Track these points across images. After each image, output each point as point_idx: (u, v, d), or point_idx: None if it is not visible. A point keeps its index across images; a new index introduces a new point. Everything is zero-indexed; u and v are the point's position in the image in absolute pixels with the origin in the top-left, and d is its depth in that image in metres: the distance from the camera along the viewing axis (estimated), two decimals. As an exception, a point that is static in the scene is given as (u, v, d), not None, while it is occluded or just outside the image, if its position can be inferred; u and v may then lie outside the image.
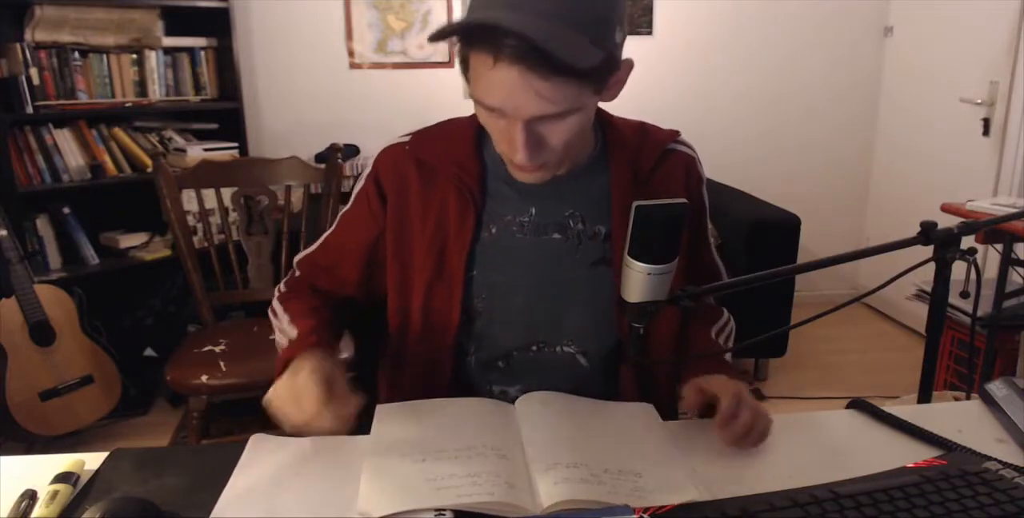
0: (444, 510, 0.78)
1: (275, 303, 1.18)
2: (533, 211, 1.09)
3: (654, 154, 1.11)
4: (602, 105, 1.03)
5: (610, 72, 0.93)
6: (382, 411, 1.01)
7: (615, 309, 1.09)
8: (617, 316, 1.09)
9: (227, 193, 2.29)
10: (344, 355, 2.03)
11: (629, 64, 0.97)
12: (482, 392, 1.13)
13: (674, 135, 1.15)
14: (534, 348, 1.11)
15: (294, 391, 0.93)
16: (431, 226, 1.09)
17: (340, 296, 1.19)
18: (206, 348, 2.14)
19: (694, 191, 1.14)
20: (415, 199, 1.10)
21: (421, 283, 1.09)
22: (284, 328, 1.12)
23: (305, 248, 1.23)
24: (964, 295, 1.18)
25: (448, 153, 1.09)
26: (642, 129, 1.14)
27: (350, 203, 1.17)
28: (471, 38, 0.89)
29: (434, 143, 1.11)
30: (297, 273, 1.22)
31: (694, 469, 0.88)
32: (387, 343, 1.19)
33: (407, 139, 1.13)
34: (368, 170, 1.14)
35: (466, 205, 1.07)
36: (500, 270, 1.09)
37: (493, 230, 1.09)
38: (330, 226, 1.20)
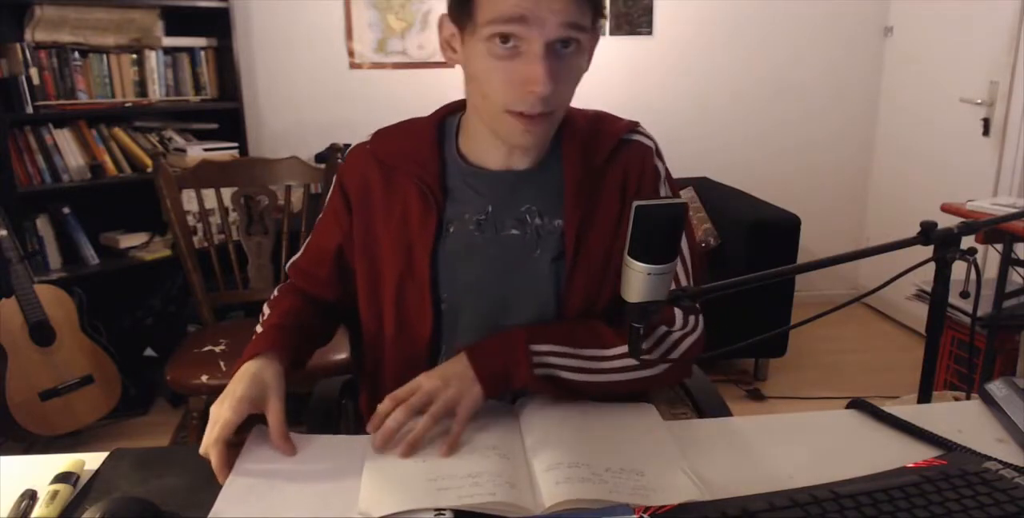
0: (444, 510, 0.78)
1: (264, 307, 1.19)
2: (490, 208, 1.08)
3: (607, 145, 1.09)
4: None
5: (599, 18, 0.97)
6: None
7: (567, 300, 1.08)
8: (568, 307, 1.08)
9: (227, 193, 2.29)
10: (342, 355, 2.04)
11: (599, 31, 1.01)
12: None
13: (631, 125, 1.12)
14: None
15: (226, 395, 0.95)
16: (395, 225, 1.09)
17: (325, 299, 1.19)
18: (206, 348, 2.14)
19: (647, 185, 1.09)
20: (378, 199, 1.10)
21: (392, 283, 1.09)
22: (257, 327, 1.13)
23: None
24: (964, 295, 1.17)
25: (408, 152, 1.09)
26: (597, 119, 1.12)
27: (323, 209, 1.18)
28: None
29: (393, 142, 1.12)
30: (288, 279, 1.23)
31: (695, 468, 0.88)
32: (364, 349, 1.19)
33: (368, 139, 1.14)
34: (336, 174, 1.16)
35: (428, 204, 1.07)
36: (461, 269, 1.09)
37: (451, 229, 1.08)
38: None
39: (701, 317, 1.12)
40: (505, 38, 0.92)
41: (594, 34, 0.98)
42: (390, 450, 0.90)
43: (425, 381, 0.96)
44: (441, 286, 1.09)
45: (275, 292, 1.22)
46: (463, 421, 0.93)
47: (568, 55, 0.94)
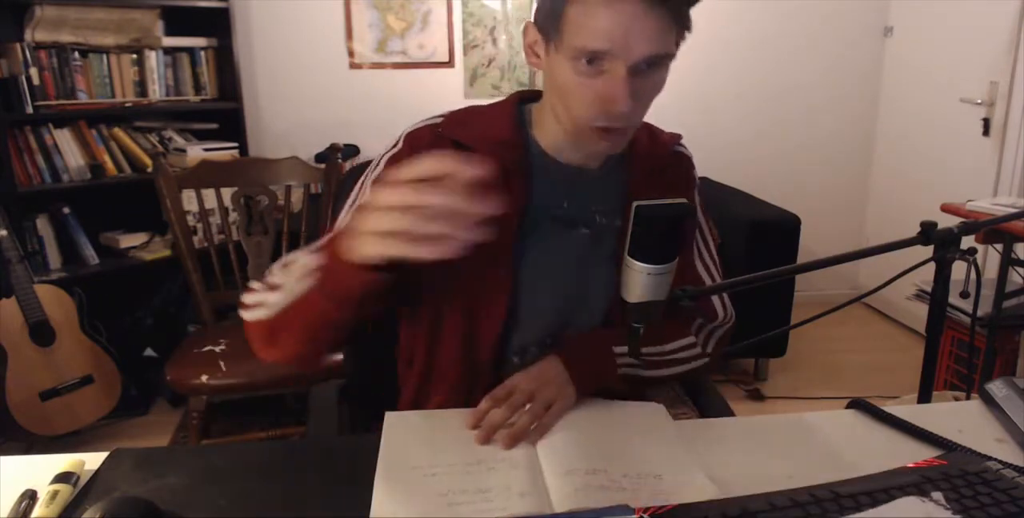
0: None
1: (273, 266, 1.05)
2: (566, 204, 1.07)
3: (665, 155, 1.13)
4: None
5: (682, 39, 0.96)
6: (391, 418, 1.00)
7: (615, 304, 1.09)
8: (616, 310, 1.10)
9: (227, 193, 2.29)
10: (338, 356, 2.03)
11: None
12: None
13: (676, 138, 1.17)
14: (548, 341, 1.10)
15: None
16: None
17: None
18: (206, 348, 2.15)
19: (688, 193, 1.16)
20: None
21: (464, 274, 1.03)
22: (292, 270, 0.94)
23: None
24: (964, 295, 1.18)
25: (490, 134, 1.05)
26: (649, 130, 1.14)
27: (358, 193, 1.09)
28: None
29: (473, 124, 1.07)
30: None
31: (709, 467, 0.88)
32: (409, 352, 1.15)
33: (439, 121, 1.08)
34: (394, 151, 1.06)
35: (511, 192, 1.03)
36: (533, 264, 1.07)
37: (529, 219, 1.06)
38: (330, 225, 1.12)
39: (733, 310, 1.19)
40: (591, 60, 0.92)
41: (672, 55, 0.96)
42: (492, 443, 0.94)
43: (523, 382, 1.01)
44: (521, 274, 1.06)
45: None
46: (556, 417, 0.98)
47: (652, 72, 0.94)
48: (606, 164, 1.09)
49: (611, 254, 1.09)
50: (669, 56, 0.94)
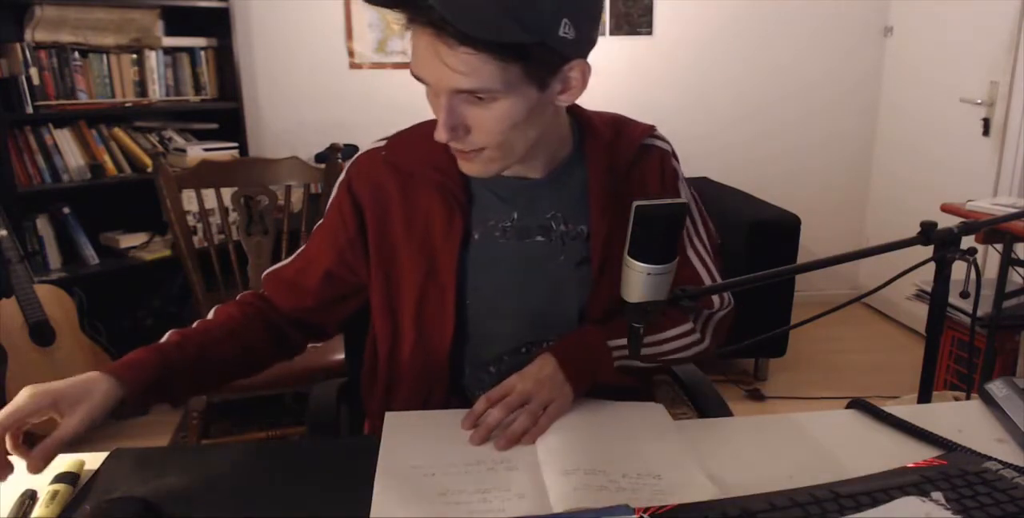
0: None
1: (212, 310, 1.14)
2: (515, 215, 1.07)
3: (630, 150, 1.09)
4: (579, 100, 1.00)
5: (548, 64, 0.90)
6: (391, 419, 1.01)
7: (591, 307, 1.09)
8: (592, 313, 1.09)
9: (227, 193, 2.29)
10: (339, 356, 2.04)
11: (583, 65, 0.93)
12: (476, 399, 1.11)
13: (650, 129, 1.13)
14: (523, 349, 1.11)
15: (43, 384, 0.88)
16: (417, 234, 1.07)
17: (288, 317, 1.15)
18: (206, 348, 2.14)
19: (668, 186, 1.12)
20: (396, 208, 1.08)
21: (412, 292, 1.08)
22: (165, 336, 1.09)
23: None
24: (964, 295, 1.18)
25: (428, 158, 1.06)
26: (617, 123, 1.11)
27: (324, 215, 1.14)
28: (396, 4, 0.88)
29: (413, 149, 1.08)
30: (262, 289, 1.18)
31: (709, 467, 0.88)
32: (373, 361, 1.17)
33: (382, 144, 1.10)
34: (341, 178, 1.12)
35: (452, 211, 1.05)
36: (486, 275, 1.08)
37: (476, 236, 1.07)
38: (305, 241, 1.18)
39: (731, 295, 1.19)
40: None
41: (534, 85, 0.90)
42: (486, 443, 0.95)
43: (519, 383, 1.00)
44: (467, 294, 1.08)
45: (239, 296, 1.17)
46: (553, 418, 0.97)
47: (488, 103, 0.90)
48: (554, 171, 1.07)
49: (583, 258, 1.08)
50: (493, 94, 0.88)
